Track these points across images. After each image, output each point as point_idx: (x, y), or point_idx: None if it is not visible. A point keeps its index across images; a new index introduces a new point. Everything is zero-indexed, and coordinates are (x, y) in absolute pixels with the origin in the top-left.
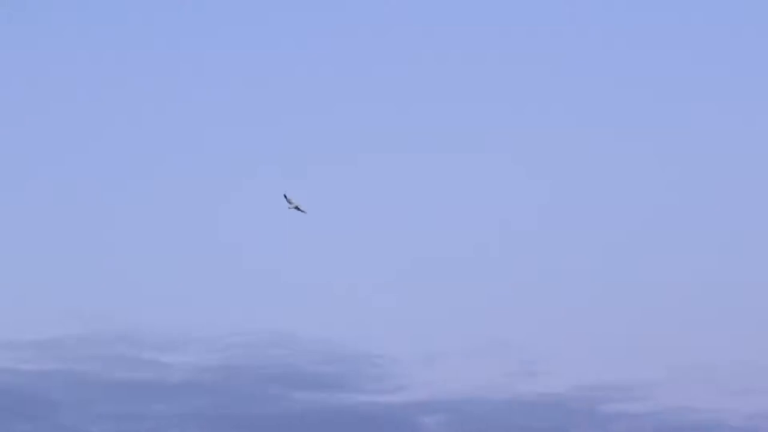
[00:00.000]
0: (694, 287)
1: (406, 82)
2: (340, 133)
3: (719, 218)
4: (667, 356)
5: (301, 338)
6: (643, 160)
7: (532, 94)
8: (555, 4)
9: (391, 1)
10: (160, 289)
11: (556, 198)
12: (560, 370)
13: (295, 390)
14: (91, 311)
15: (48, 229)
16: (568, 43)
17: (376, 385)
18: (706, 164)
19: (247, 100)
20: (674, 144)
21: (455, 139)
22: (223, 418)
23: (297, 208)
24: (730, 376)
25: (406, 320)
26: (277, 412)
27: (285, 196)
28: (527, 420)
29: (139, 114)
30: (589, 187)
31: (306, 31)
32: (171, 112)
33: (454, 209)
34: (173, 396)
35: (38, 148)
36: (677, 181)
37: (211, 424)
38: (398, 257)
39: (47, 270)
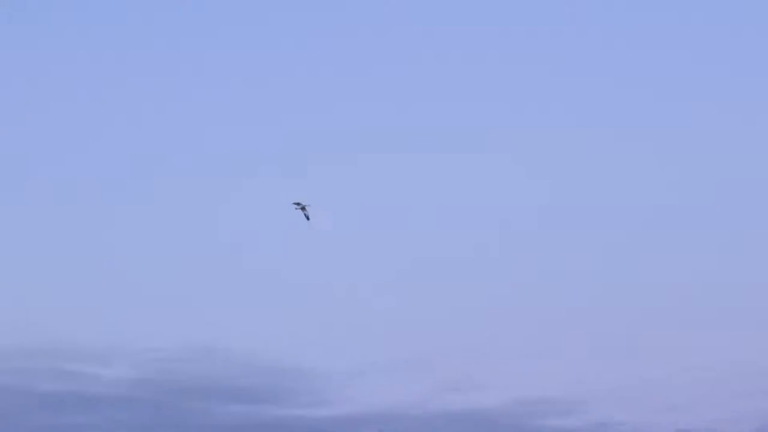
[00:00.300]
0: (676, 291)
1: (406, 82)
2: (340, 133)
3: (718, 219)
4: (597, 372)
5: (230, 351)
6: (643, 160)
7: (532, 94)
8: (555, 4)
9: (391, 1)
10: (159, 290)
11: (556, 198)
12: (490, 385)
13: (224, 403)
14: (17, 323)
15: (48, 229)
16: (568, 43)
17: (305, 398)
18: (706, 164)
19: (247, 100)
20: (674, 144)
21: (455, 139)
22: (151, 431)
23: (303, 209)
24: (658, 391)
25: (340, 332)
26: (206, 425)
27: (297, 204)
28: None
29: (139, 114)
30: (589, 187)
31: (306, 31)
32: (171, 112)
33: (453, 209)
34: (100, 408)
35: (38, 148)
36: (677, 181)
37: None
38: (398, 258)
39: (46, 270)
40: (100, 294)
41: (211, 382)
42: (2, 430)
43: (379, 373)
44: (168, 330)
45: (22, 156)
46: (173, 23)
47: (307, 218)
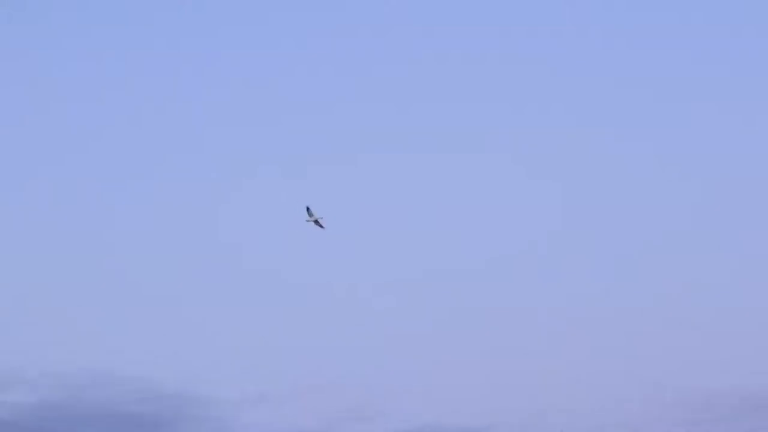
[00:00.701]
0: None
1: (406, 82)
2: (340, 133)
3: (718, 219)
4: (496, 400)
5: (121, 377)
6: (643, 160)
7: (532, 94)
8: (555, 4)
9: (391, 1)
10: (159, 290)
11: (556, 198)
12: (393, 412)
13: (123, 430)
14: None
15: (48, 229)
16: (568, 43)
17: (195, 426)
18: (706, 164)
19: (247, 100)
20: (674, 144)
21: (455, 139)
22: None
23: (317, 222)
24: (579, 420)
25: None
26: None
27: (308, 209)
28: None
29: (139, 114)
30: (589, 187)
31: (306, 31)
32: (171, 112)
33: (453, 209)
34: None
35: (38, 148)
36: (677, 181)
37: None
38: (399, 259)
39: (46, 271)
40: (97, 294)
41: (111, 409)
42: None
43: (279, 400)
44: (70, 353)
45: (22, 156)
46: (173, 23)
47: (319, 224)
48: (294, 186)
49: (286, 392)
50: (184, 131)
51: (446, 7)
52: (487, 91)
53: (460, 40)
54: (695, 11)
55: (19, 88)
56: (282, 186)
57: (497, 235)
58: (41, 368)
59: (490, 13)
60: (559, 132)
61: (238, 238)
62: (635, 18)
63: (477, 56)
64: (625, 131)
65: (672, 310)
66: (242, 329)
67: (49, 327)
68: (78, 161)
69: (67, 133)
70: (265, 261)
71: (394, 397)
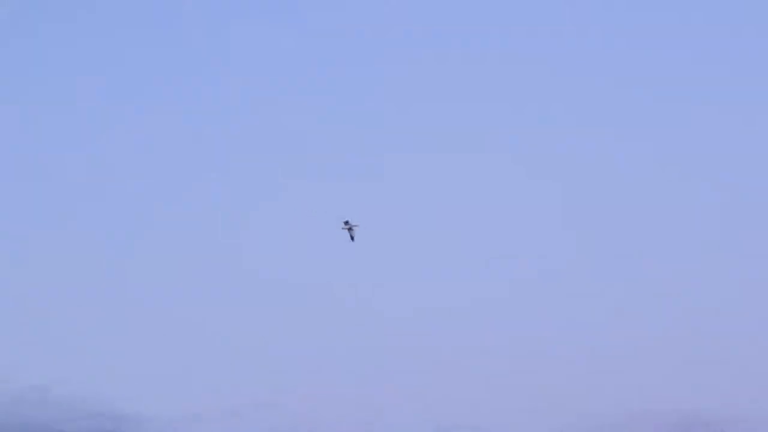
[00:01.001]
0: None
1: (406, 82)
2: (340, 133)
3: (717, 219)
4: (496, 401)
5: (57, 394)
6: (643, 160)
7: (532, 94)
8: (555, 4)
9: (391, 1)
10: (161, 295)
11: (556, 198)
12: (392, 414)
13: None
14: None
15: (48, 236)
16: (568, 43)
17: None
18: (706, 164)
19: (248, 100)
20: (674, 144)
21: (455, 139)
22: None
23: (350, 230)
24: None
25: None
26: None
27: (347, 223)
28: None
29: (139, 114)
30: (589, 187)
31: (306, 31)
32: (171, 112)
33: (453, 209)
34: None
35: (39, 148)
36: (676, 181)
37: None
38: (398, 258)
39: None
40: (98, 300)
41: (42, 426)
42: None
43: (213, 419)
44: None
45: (23, 156)
46: (173, 23)
47: (352, 238)
48: (294, 186)
49: (219, 412)
50: (183, 131)
51: (446, 7)
52: (487, 91)
53: (460, 40)
54: (695, 11)
55: (19, 88)
56: (282, 186)
57: (497, 235)
58: None
59: (490, 13)
60: (559, 132)
61: (238, 239)
62: (635, 18)
63: (477, 56)
64: (625, 131)
65: (671, 310)
66: (228, 335)
67: None
68: (78, 162)
69: (68, 134)
70: (264, 261)
71: (392, 399)
